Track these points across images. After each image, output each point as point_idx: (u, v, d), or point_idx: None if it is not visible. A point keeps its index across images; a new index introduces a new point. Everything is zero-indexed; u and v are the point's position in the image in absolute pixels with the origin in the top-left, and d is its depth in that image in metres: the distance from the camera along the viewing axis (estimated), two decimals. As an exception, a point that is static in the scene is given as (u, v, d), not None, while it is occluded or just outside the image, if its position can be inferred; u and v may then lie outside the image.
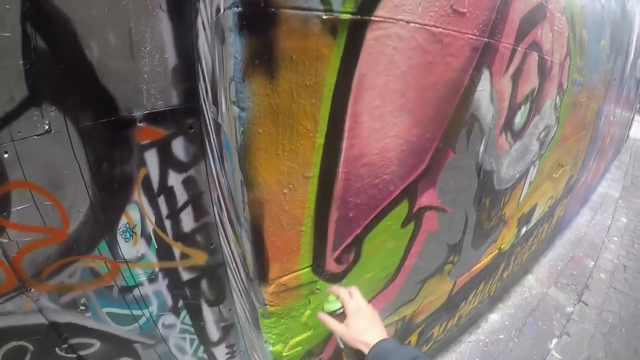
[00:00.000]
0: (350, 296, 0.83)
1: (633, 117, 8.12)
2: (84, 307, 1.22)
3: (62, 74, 0.93)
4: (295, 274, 0.89)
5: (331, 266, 0.95)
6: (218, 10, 0.67)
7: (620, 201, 5.06)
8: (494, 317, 2.49)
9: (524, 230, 2.27)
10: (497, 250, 2.00)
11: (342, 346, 0.80)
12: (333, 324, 0.80)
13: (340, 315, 0.82)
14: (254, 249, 0.79)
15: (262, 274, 0.84)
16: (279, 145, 0.69)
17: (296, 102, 0.68)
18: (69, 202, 1.05)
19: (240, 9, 0.58)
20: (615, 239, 3.84)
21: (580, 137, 2.71)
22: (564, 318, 2.55)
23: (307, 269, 0.90)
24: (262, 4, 0.59)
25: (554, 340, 2.34)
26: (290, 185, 0.75)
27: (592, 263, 3.28)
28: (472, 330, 2.35)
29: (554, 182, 2.43)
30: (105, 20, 0.93)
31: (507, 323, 2.45)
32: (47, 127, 0.95)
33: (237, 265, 1.08)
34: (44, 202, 1.02)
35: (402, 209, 1.07)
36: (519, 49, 1.29)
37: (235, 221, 0.86)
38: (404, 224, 1.12)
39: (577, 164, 2.98)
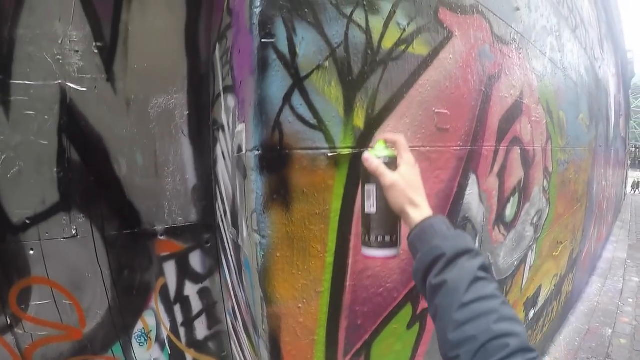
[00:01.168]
0: (407, 146, 0.71)
1: (627, 174, 8.30)
2: None
3: (92, 185, 1.03)
4: (309, 381, 0.90)
5: (342, 372, 0.97)
6: (240, 149, 0.80)
7: (628, 261, 4.98)
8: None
9: (532, 313, 2.24)
10: (507, 339, 1.94)
11: (373, 210, 0.68)
12: (383, 168, 0.65)
13: (390, 166, 0.67)
14: (272, 358, 0.83)
15: (278, 382, 0.86)
16: (294, 265, 0.78)
17: (308, 228, 0.78)
18: (88, 303, 1.10)
19: (260, 152, 0.70)
20: (630, 300, 3.73)
21: (575, 211, 2.78)
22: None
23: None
24: (279, 147, 0.71)
25: None
26: (304, 300, 0.82)
27: (610, 331, 3.14)
28: None
29: (555, 260, 2.45)
30: (133, 140, 1.05)
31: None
32: (74, 232, 1.03)
33: (250, 374, 1.09)
34: (64, 301, 1.06)
35: (406, 312, 1.11)
36: (501, 147, 1.42)
37: (253, 332, 0.91)
38: (409, 326, 1.15)
39: (577, 236, 3.02)
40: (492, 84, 1.33)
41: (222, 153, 1.02)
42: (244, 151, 0.77)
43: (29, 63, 0.92)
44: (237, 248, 0.93)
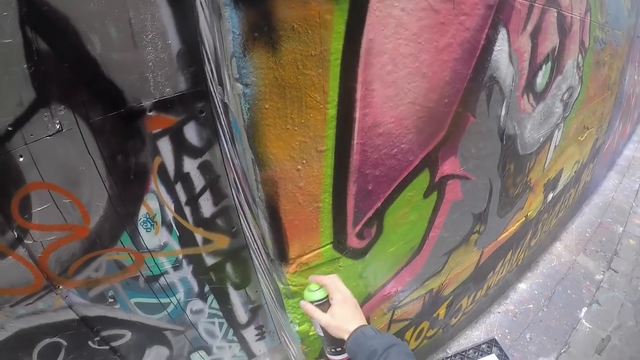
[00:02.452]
0: (335, 285, 0.81)
1: None
2: (112, 300, 1.26)
3: (67, 72, 0.93)
4: (316, 251, 0.87)
5: (353, 242, 0.94)
6: (212, -15, 0.64)
7: (648, 164, 4.83)
8: (522, 287, 2.44)
9: (550, 196, 2.19)
10: (524, 218, 1.94)
11: (321, 334, 0.80)
12: (317, 313, 0.78)
13: (323, 305, 0.79)
14: (272, 229, 0.78)
15: (282, 254, 0.83)
16: (288, 119, 0.66)
17: (302, 73, 0.65)
18: (87, 198, 1.07)
19: None
20: None
21: (605, 98, 2.57)
22: (594, 286, 2.48)
23: (328, 246, 0.89)
24: None
25: (584, 309, 2.28)
26: (304, 161, 0.73)
27: (622, 229, 3.16)
28: (501, 300, 2.31)
29: (579, 145, 2.33)
30: (103, 13, 0.92)
31: (536, 292, 2.40)
32: (58, 127, 0.96)
33: (258, 247, 1.08)
34: (63, 201, 1.04)
35: (423, 179, 1.04)
36: (536, 5, 1.21)
37: (252, 202, 0.85)
38: (426, 195, 1.09)
39: (603, 126, 2.84)
40: None
41: (201, 3, 0.86)
42: (216, -16, 0.60)
43: None
44: (226, 108, 0.82)
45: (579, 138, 2.25)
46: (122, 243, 1.17)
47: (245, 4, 0.56)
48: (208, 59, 0.96)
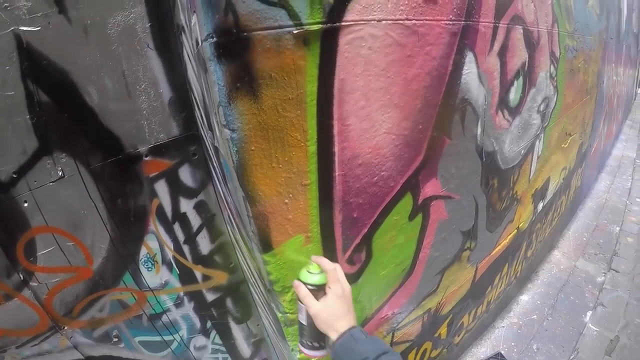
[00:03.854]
0: (337, 275, 0.76)
1: (638, 72, 7.86)
2: (117, 339, 1.27)
3: (67, 122, 0.99)
4: (310, 279, 0.91)
5: (344, 268, 0.96)
6: (197, 42, 0.71)
7: (637, 161, 4.92)
8: (524, 298, 2.44)
9: (540, 205, 2.24)
10: (516, 230, 1.97)
11: (303, 322, 0.75)
12: (309, 299, 0.72)
13: (318, 292, 0.74)
14: (266, 261, 0.82)
15: (277, 283, 0.86)
16: (272, 158, 0.72)
17: (282, 115, 0.71)
18: (90, 240, 1.11)
19: (215, 39, 0.62)
20: (638, 199, 3.74)
21: (584, 103, 2.66)
22: (596, 289, 2.49)
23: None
24: (235, 31, 0.63)
25: (589, 313, 2.28)
26: (290, 195, 0.78)
27: (618, 228, 3.19)
28: (504, 314, 2.30)
29: (564, 152, 2.39)
30: (99, 66, 1.00)
31: (539, 302, 2.40)
32: (60, 173, 1.02)
33: (255, 280, 1.11)
34: (67, 243, 1.08)
35: (406, 202, 1.08)
36: (500, 25, 1.29)
37: (246, 236, 0.89)
38: (411, 217, 1.13)
39: (586, 130, 2.93)
40: None
41: (188, 55, 0.94)
42: (200, 43, 0.68)
43: None
44: (217, 151, 0.88)
45: (563, 145, 2.32)
46: (124, 283, 1.20)
47: (227, 58, 0.64)
48: (198, 106, 1.03)
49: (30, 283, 1.06)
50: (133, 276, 1.21)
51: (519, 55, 1.48)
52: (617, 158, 4.97)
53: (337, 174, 0.84)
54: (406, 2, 0.88)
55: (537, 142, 1.87)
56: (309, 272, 0.75)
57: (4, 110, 0.92)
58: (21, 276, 1.04)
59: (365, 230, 0.98)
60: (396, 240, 1.10)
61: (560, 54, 1.94)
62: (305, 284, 0.74)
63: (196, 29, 0.70)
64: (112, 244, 1.14)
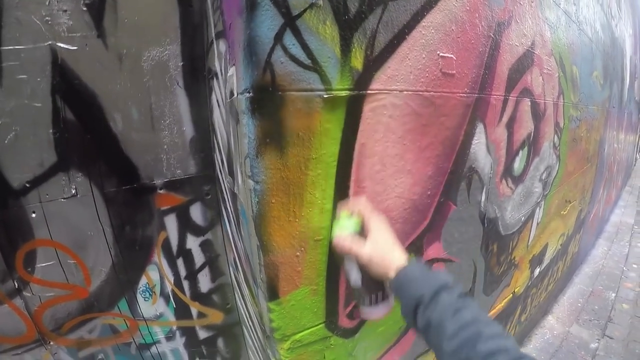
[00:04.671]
0: (369, 209, 0.74)
1: (639, 139, 8.09)
2: None
3: (89, 143, 1.02)
4: (310, 330, 0.91)
5: (344, 322, 0.98)
6: (232, 93, 0.77)
7: (635, 227, 4.94)
8: (515, 363, 2.38)
9: (537, 271, 2.24)
10: (511, 295, 1.97)
11: (358, 283, 0.72)
12: (357, 246, 0.70)
13: (360, 236, 0.72)
14: (270, 308, 0.83)
15: (278, 331, 0.86)
16: (290, 212, 0.76)
17: (304, 173, 0.75)
18: (92, 261, 1.11)
19: (251, 94, 0.67)
20: (635, 266, 3.73)
21: (585, 171, 2.73)
22: (590, 355, 2.44)
23: (320, 325, 0.93)
24: (271, 88, 0.68)
25: (582, 382, 2.22)
26: (302, 248, 0.80)
27: (614, 295, 3.18)
28: (495, 378, 2.24)
29: (563, 219, 2.43)
30: (128, 95, 1.04)
31: (530, 368, 2.34)
32: (73, 192, 1.03)
33: (253, 324, 1.11)
34: (68, 261, 1.08)
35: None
36: (510, 98, 1.37)
37: (252, 282, 0.91)
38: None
39: (586, 197, 2.98)
40: (501, 30, 1.26)
41: (217, 101, 0.99)
42: (235, 95, 0.73)
43: (18, 27, 0.90)
44: (234, 197, 0.91)
45: (562, 212, 2.36)
46: (119, 308, 1.19)
47: (261, 114, 0.68)
48: (219, 149, 1.07)
49: (24, 292, 1.05)
50: (129, 303, 1.20)
51: (526, 126, 1.55)
52: (615, 224, 5.01)
53: (348, 232, 0.87)
54: (427, 74, 0.95)
55: (538, 209, 1.92)
56: (339, 225, 0.74)
57: (29, 119, 0.94)
58: (16, 284, 1.03)
59: (367, 288, 1.00)
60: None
61: (564, 124, 2.02)
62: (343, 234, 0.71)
63: (233, 80, 0.75)
64: (114, 269, 1.15)
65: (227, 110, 0.85)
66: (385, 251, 0.69)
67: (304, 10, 0.68)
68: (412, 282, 0.64)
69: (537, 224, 1.98)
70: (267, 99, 0.68)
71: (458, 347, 0.53)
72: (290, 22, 0.67)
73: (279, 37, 0.66)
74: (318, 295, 0.88)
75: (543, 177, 1.86)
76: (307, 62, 0.71)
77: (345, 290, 0.94)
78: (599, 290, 3.25)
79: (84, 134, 1.01)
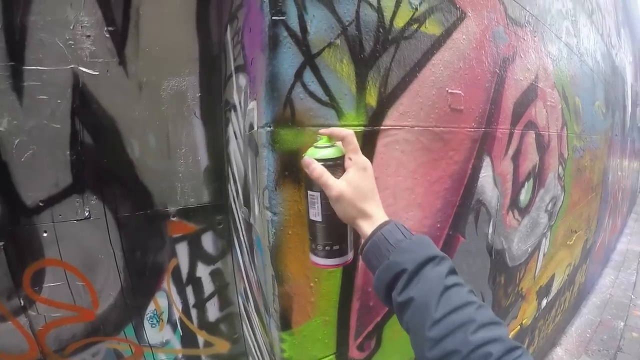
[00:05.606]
0: (355, 143, 0.62)
1: None
2: None
3: (105, 167, 1.04)
4: (320, 362, 0.91)
5: (354, 353, 0.97)
6: (251, 126, 0.80)
7: (643, 254, 4.89)
8: (524, 397, 2.30)
9: (544, 302, 2.21)
10: (519, 326, 1.93)
11: (317, 218, 0.61)
12: (327, 177, 0.57)
13: (334, 168, 0.60)
14: (282, 339, 0.82)
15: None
16: (306, 244, 0.77)
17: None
18: (101, 285, 1.11)
19: (272, 128, 0.69)
20: None
21: (590, 200, 2.74)
22: (600, 387, 2.36)
23: (331, 357, 0.92)
24: (290, 123, 0.71)
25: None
26: (316, 279, 0.81)
27: (622, 324, 3.10)
28: (502, 412, 2.16)
29: (569, 249, 2.42)
30: (146, 122, 1.07)
31: (539, 403, 2.28)
32: (87, 214, 1.05)
33: (261, 354, 1.10)
34: (77, 282, 1.08)
35: (418, 294, 1.10)
36: (515, 131, 1.40)
37: (264, 312, 0.91)
38: (421, 309, 1.13)
39: (591, 226, 2.97)
40: (506, 66, 1.31)
41: (234, 133, 1.02)
42: (255, 128, 0.76)
43: (41, 49, 0.93)
44: (249, 227, 0.93)
45: (568, 242, 2.35)
46: (125, 334, 1.19)
47: (281, 147, 0.71)
48: (234, 180, 1.09)
49: (29, 311, 1.04)
50: (135, 329, 1.20)
51: (531, 159, 1.57)
52: (622, 252, 4.95)
53: (360, 263, 0.88)
54: (436, 110, 0.98)
55: (544, 240, 1.91)
56: (316, 147, 0.62)
57: (47, 140, 0.96)
58: (21, 302, 1.03)
59: (379, 318, 1.00)
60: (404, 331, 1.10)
61: (568, 155, 2.05)
62: (317, 160, 0.60)
63: (253, 114, 0.78)
64: (122, 294, 1.15)
65: (246, 142, 0.88)
66: (362, 196, 0.57)
67: (323, 49, 0.72)
68: (390, 248, 0.53)
69: (544, 254, 1.97)
70: (286, 133, 0.71)
71: (445, 335, 0.45)
72: (310, 60, 0.71)
73: (299, 75, 0.70)
74: (329, 326, 0.88)
75: (549, 207, 1.87)
76: (325, 98, 0.74)
77: (357, 321, 0.94)
78: (608, 320, 3.18)
79: (101, 157, 1.03)
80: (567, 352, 2.75)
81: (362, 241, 0.59)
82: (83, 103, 0.98)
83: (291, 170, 0.73)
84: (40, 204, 0.99)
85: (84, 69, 0.97)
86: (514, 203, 1.50)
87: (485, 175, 1.23)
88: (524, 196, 1.57)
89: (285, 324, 0.80)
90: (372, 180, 0.61)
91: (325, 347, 0.90)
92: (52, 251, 1.03)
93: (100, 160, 1.03)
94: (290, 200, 0.73)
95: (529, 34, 1.48)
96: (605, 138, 3.05)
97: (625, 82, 4.17)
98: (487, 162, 1.23)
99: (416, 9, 0.90)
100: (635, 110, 5.18)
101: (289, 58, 0.68)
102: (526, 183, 1.57)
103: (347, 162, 0.61)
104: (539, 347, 2.42)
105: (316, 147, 0.63)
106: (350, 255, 0.67)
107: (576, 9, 2.09)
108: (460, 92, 1.07)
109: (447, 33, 1.00)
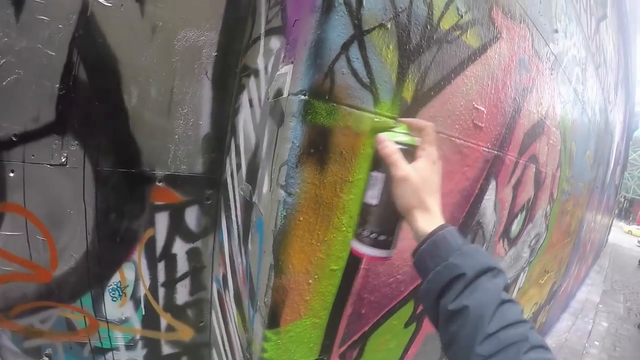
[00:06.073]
0: (434, 137, 0.61)
1: (612, 222, 8.56)
2: (47, 358, 1.08)
3: (95, 110, 0.91)
4: (300, 366, 0.84)
5: (334, 362, 0.91)
6: (279, 92, 0.72)
7: (600, 306, 5.13)
8: None
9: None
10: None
11: (373, 202, 0.61)
12: (397, 155, 0.57)
13: (407, 154, 0.60)
14: (266, 337, 0.75)
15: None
16: (314, 235, 0.70)
17: (337, 195, 0.70)
18: (64, 244, 0.98)
19: (306, 97, 0.62)
20: (597, 343, 3.83)
21: (565, 244, 2.83)
22: None
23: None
24: (327, 97, 0.64)
25: None
26: (316, 276, 0.74)
27: None
28: None
29: (540, 288, 2.48)
30: (151, 71, 0.95)
31: None
32: (63, 160, 0.91)
33: (231, 349, 1.01)
34: (37, 236, 0.94)
35: (407, 309, 1.07)
36: (520, 161, 1.41)
37: (248, 304, 0.83)
38: (407, 324, 1.10)
39: (561, 270, 3.07)
40: (524, 95, 1.31)
41: (250, 100, 0.93)
42: (285, 95, 0.68)
43: None
44: (249, 207, 0.84)
45: (540, 281, 2.40)
46: (81, 303, 1.05)
47: (312, 120, 0.63)
48: (237, 152, 1.01)
49: None
50: (94, 300, 1.06)
51: (528, 191, 1.59)
52: (581, 301, 5.16)
53: (363, 266, 0.82)
54: (461, 122, 0.96)
55: (522, 274, 1.94)
56: (394, 131, 0.62)
57: (37, 67, 0.83)
58: None
59: (367, 328, 0.94)
60: (388, 344, 1.06)
61: (556, 196, 2.10)
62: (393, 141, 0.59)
63: (285, 79, 0.70)
64: (86, 258, 1.01)
65: (266, 111, 0.79)
66: (427, 187, 0.56)
67: (374, 28, 0.67)
68: (451, 250, 0.51)
69: (519, 289, 2.00)
70: (321, 106, 0.64)
71: (497, 350, 0.42)
72: (360, 35, 0.65)
73: (346, 47, 0.64)
74: (318, 329, 0.81)
75: (532, 243, 1.89)
76: (366, 80, 0.68)
77: (345, 328, 0.87)
78: (561, 364, 3.28)
79: (93, 99, 0.90)
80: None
81: (418, 238, 0.56)
82: (86, 34, 0.86)
83: (318, 148, 0.65)
84: (13, 139, 0.86)
85: (96, -3, 0.86)
86: (506, 232, 1.50)
87: (489, 198, 1.22)
88: (515, 227, 1.58)
89: (274, 320, 0.73)
90: (440, 176, 0.61)
91: (309, 352, 0.83)
92: (16, 196, 0.89)
93: (91, 102, 0.91)
94: (309, 182, 0.66)
95: (548, 70, 1.49)
96: (588, 188, 3.16)
97: (613, 140, 4.38)
98: (492, 185, 1.22)
99: (462, 16, 0.87)
100: (616, 168, 5.45)
101: (340, 27, 0.62)
102: (520, 214, 1.58)
103: (419, 152, 0.60)
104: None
105: (393, 131, 0.63)
106: (393, 253, 0.65)
107: (587, 59, 2.16)
108: (484, 109, 1.05)
109: (483, 48, 0.99)
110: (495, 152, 1.17)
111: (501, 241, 1.49)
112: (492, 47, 1.03)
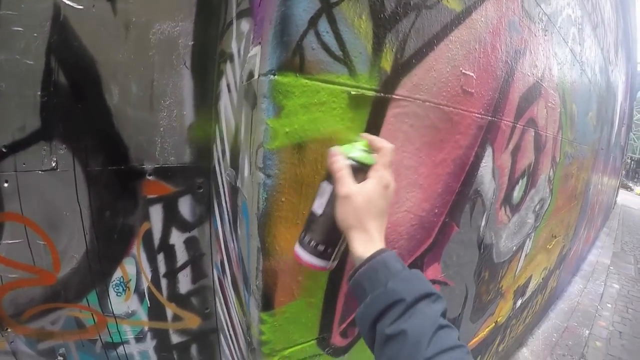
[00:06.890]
0: (388, 159, 0.60)
1: (619, 184, 8.45)
2: (62, 358, 1.11)
3: (79, 113, 0.91)
4: (300, 346, 0.84)
5: (336, 339, 0.92)
6: (251, 75, 0.70)
7: (611, 268, 5.11)
8: (488, 394, 2.35)
9: (519, 302, 2.25)
10: (494, 324, 1.95)
11: (318, 211, 0.61)
12: (346, 175, 0.57)
13: (358, 172, 0.59)
14: (262, 319, 0.75)
15: (267, 345, 0.79)
16: (299, 214, 0.69)
17: (320, 173, 0.69)
18: (64, 245, 1.00)
19: (276, 76, 0.60)
20: (609, 305, 3.83)
21: (571, 208, 2.79)
22: (562, 392, 2.45)
23: (312, 342, 0.86)
24: (297, 74, 0.62)
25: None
26: (306, 257, 0.74)
27: (587, 332, 3.23)
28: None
29: (547, 253, 2.46)
30: (129, 67, 0.94)
31: (502, 401, 2.33)
32: (53, 165, 0.92)
33: (235, 333, 1.03)
34: (38, 241, 0.96)
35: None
36: (517, 125, 1.37)
37: (243, 288, 0.83)
38: (408, 298, 1.10)
39: (569, 234, 3.04)
40: (517, 58, 1.26)
41: (228, 85, 0.92)
42: (256, 76, 0.67)
43: None
44: (235, 192, 0.84)
45: (547, 246, 2.38)
46: (87, 301, 1.07)
47: (284, 99, 0.62)
48: (221, 139, 1.00)
49: None
50: (99, 297, 1.08)
51: (528, 156, 1.55)
52: (592, 263, 5.15)
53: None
54: (448, 88, 0.93)
55: (528, 240, 1.92)
56: (352, 146, 0.61)
57: (17, 77, 0.83)
58: None
59: (365, 304, 0.94)
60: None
61: (559, 160, 2.06)
62: (347, 157, 0.59)
63: (255, 60, 0.69)
64: (87, 257, 1.03)
65: (241, 94, 0.78)
66: (370, 210, 0.55)
67: (343, -1, 0.64)
68: (390, 275, 0.50)
69: (526, 255, 1.99)
70: (292, 84, 0.62)
71: None
72: (328, 8, 0.62)
73: (313, 22, 0.61)
74: (314, 309, 0.81)
75: (536, 209, 1.87)
76: (339, 53, 0.66)
77: (343, 305, 0.87)
78: (574, 327, 3.29)
79: (75, 102, 0.90)
80: (533, 354, 2.82)
81: (355, 260, 0.56)
82: (62, 39, 0.86)
83: (293, 127, 0.64)
84: (3, 150, 0.87)
85: (67, 1, 0.85)
86: (507, 199, 1.48)
87: (486, 166, 1.19)
88: (517, 193, 1.55)
89: (267, 303, 0.73)
90: (388, 202, 0.60)
91: (308, 331, 0.83)
92: (13, 205, 0.91)
93: (74, 105, 0.91)
94: (287, 162, 0.65)
95: (541, 31, 1.44)
96: (592, 150, 3.10)
97: (616, 100, 4.27)
98: (489, 152, 1.19)
99: (439, -21, 0.83)
100: (621, 129, 5.34)
101: (305, 1, 0.60)
102: (520, 180, 1.55)
103: (371, 173, 0.59)
104: (507, 347, 2.47)
105: (352, 145, 0.62)
106: (331, 265, 0.65)
107: (583, 18, 2.08)
108: (473, 74, 1.01)
109: (467, 11, 0.95)
110: (489, 117, 1.14)
111: (503, 208, 1.47)
112: (478, 10, 0.99)
